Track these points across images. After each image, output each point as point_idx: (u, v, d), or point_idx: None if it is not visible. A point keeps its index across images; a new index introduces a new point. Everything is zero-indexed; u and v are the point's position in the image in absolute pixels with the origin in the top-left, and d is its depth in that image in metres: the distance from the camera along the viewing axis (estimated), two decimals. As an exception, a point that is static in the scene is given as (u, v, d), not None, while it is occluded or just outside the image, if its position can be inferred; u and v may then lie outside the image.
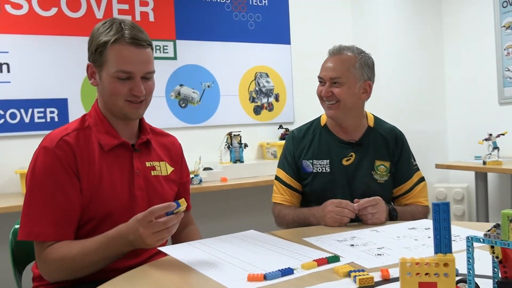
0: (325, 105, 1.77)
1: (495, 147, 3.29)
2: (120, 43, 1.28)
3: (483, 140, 3.34)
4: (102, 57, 1.30)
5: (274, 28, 3.64)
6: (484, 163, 3.23)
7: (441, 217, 0.47)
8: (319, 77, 1.78)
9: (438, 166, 3.51)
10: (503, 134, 3.28)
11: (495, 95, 3.79)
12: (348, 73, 1.71)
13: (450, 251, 0.48)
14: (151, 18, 3.19)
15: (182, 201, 1.16)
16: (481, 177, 3.60)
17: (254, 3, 3.56)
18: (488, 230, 0.70)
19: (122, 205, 1.33)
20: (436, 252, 0.50)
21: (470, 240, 0.69)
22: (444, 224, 0.48)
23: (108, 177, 1.31)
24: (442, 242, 0.48)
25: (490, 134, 3.31)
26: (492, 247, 0.70)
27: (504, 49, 3.70)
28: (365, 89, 1.76)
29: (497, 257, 0.70)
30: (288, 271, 1.06)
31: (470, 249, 0.69)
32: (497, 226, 0.67)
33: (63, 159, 1.26)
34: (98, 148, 1.33)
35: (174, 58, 3.27)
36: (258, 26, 3.58)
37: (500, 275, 0.72)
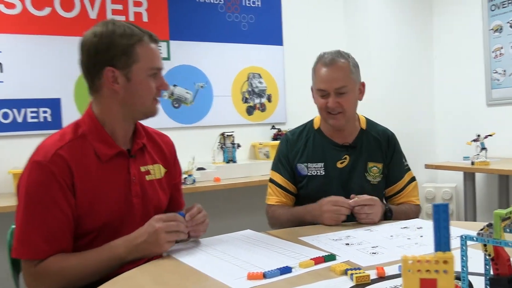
0: (329, 116, 1.75)
1: (483, 148, 3.35)
2: (148, 41, 1.32)
3: (471, 141, 3.40)
4: (132, 57, 1.28)
5: (267, 29, 3.68)
6: (473, 163, 3.30)
7: (441, 217, 0.50)
8: (320, 89, 1.74)
9: (428, 166, 3.57)
10: (490, 135, 3.35)
11: (483, 97, 3.86)
12: (350, 79, 1.73)
13: (449, 249, 0.52)
14: (145, 18, 3.20)
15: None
16: (469, 177, 3.66)
17: (247, 4, 3.59)
18: (481, 229, 0.74)
19: (119, 214, 1.32)
20: (436, 250, 0.53)
21: (464, 239, 0.73)
22: (444, 224, 0.51)
23: (105, 187, 1.29)
24: (442, 241, 0.51)
25: (478, 135, 3.37)
26: (485, 245, 0.74)
27: (492, 52, 3.77)
28: (360, 90, 1.80)
29: (489, 255, 0.74)
30: (287, 270, 1.09)
31: (464, 247, 0.73)
32: (489, 225, 0.71)
33: (58, 174, 1.22)
34: (94, 158, 1.29)
35: (168, 58, 3.29)
36: (251, 27, 3.61)
37: (492, 272, 0.76)
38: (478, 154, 3.33)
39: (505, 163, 3.24)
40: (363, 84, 1.81)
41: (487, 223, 0.71)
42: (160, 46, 1.39)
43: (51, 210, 1.21)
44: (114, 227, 1.31)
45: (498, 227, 0.68)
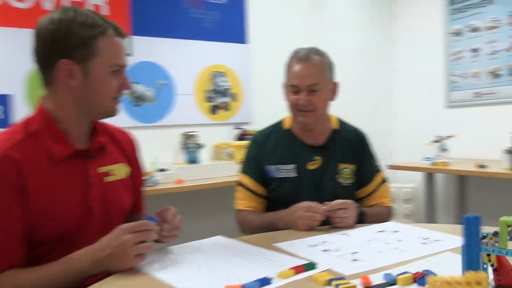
0: (299, 114, 1.70)
1: (444, 149, 3.42)
2: (112, 34, 1.19)
3: (432, 142, 3.46)
4: (92, 50, 1.16)
5: (232, 26, 3.58)
6: (434, 164, 3.35)
7: (472, 231, 0.44)
8: (292, 85, 1.69)
9: (392, 167, 3.60)
10: (451, 137, 3.42)
11: (442, 99, 3.95)
12: (323, 77, 1.69)
13: (481, 268, 0.46)
14: (105, 11, 3.03)
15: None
16: (429, 177, 3.73)
17: (212, 1, 3.49)
18: (484, 237, 0.69)
19: (77, 220, 1.19)
20: (466, 269, 0.47)
21: (466, 249, 0.68)
22: (475, 239, 0.45)
23: (60, 190, 1.17)
24: (473, 258, 0.46)
25: (440, 136, 3.44)
26: (488, 255, 0.69)
27: (452, 55, 3.85)
28: (333, 90, 1.76)
29: (492, 265, 0.69)
30: (266, 281, 1.01)
31: (465, 258, 0.68)
32: (495, 234, 0.66)
33: (8, 175, 1.09)
34: (47, 158, 1.16)
35: (129, 54, 3.14)
36: (216, 24, 3.51)
37: (494, 283, 0.72)
38: (439, 155, 3.39)
39: (464, 164, 3.31)
40: (336, 84, 1.77)
41: (493, 230, 0.66)
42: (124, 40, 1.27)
43: (1, 217, 1.08)
44: (72, 234, 1.18)
45: (504, 236, 0.64)
